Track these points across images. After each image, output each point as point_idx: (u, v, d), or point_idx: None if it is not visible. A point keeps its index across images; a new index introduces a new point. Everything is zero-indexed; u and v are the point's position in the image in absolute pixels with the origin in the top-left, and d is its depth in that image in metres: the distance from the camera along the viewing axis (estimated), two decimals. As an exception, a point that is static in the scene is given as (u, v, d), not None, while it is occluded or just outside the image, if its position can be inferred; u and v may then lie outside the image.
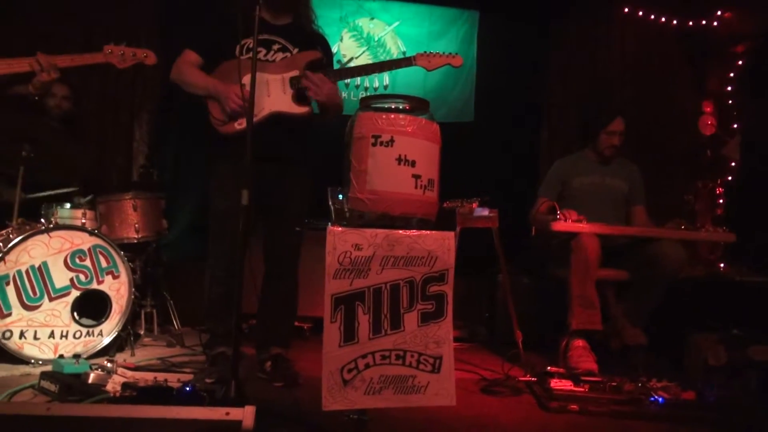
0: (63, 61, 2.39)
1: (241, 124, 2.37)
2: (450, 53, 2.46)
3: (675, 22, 4.64)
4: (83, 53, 2.48)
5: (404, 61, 2.49)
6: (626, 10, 4.61)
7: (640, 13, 4.62)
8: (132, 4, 4.17)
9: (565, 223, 2.75)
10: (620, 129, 3.19)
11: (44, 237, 2.59)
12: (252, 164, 1.96)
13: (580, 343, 2.69)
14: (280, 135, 2.38)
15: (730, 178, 4.45)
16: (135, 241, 3.10)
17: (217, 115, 2.41)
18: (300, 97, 2.42)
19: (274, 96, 2.38)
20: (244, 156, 1.96)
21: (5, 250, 2.49)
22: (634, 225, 3.19)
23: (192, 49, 2.49)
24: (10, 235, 2.59)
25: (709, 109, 4.53)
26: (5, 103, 2.96)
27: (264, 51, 2.43)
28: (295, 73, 2.42)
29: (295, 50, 2.47)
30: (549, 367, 2.49)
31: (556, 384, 2.29)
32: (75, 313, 2.63)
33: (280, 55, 2.45)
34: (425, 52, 2.44)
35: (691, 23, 4.63)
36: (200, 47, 2.49)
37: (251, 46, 2.15)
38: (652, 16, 4.64)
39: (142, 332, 3.14)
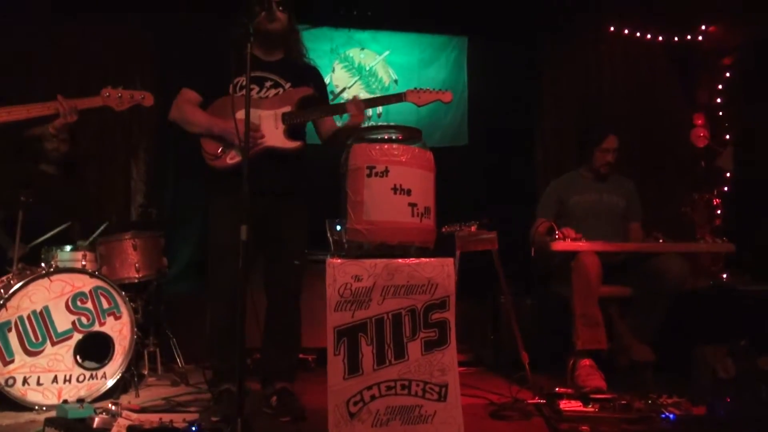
0: (81, 104, 2.46)
1: (233, 159, 2.39)
2: (440, 90, 2.49)
3: (661, 38, 4.73)
4: (81, 97, 2.51)
5: (394, 97, 2.54)
6: (612, 29, 4.70)
7: (626, 31, 4.71)
8: (127, 44, 4.23)
9: (565, 242, 2.75)
10: (614, 146, 3.22)
11: (45, 281, 2.59)
12: (249, 198, 1.97)
13: (586, 362, 2.67)
14: (273, 169, 2.40)
15: (725, 188, 4.48)
16: (136, 281, 3.09)
17: (209, 150, 2.43)
18: (292, 131, 2.45)
19: (267, 131, 2.41)
20: (240, 190, 1.97)
21: (6, 296, 2.48)
22: (633, 241, 3.19)
23: (190, 88, 2.53)
24: (11, 281, 2.59)
25: (700, 121, 4.59)
26: (3, 149, 2.99)
27: (257, 88, 2.46)
28: (287, 108, 2.45)
29: (288, 85, 2.51)
30: (557, 388, 2.47)
31: (565, 405, 2.27)
32: (78, 357, 2.61)
33: (272, 92, 2.49)
34: (415, 88, 2.47)
35: (676, 39, 4.72)
36: (197, 85, 2.53)
37: (244, 83, 2.18)
38: (638, 34, 4.73)
39: (146, 372, 3.11)
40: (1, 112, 2.41)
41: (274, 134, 2.42)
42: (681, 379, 2.88)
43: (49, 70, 4.01)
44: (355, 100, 2.46)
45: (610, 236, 3.04)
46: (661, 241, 2.87)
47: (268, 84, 2.50)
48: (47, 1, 4.00)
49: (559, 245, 2.75)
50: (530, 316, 3.34)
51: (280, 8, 2.46)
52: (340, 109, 2.54)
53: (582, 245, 2.76)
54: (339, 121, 2.62)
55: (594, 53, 4.79)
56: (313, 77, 2.62)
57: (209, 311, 2.48)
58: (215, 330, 2.45)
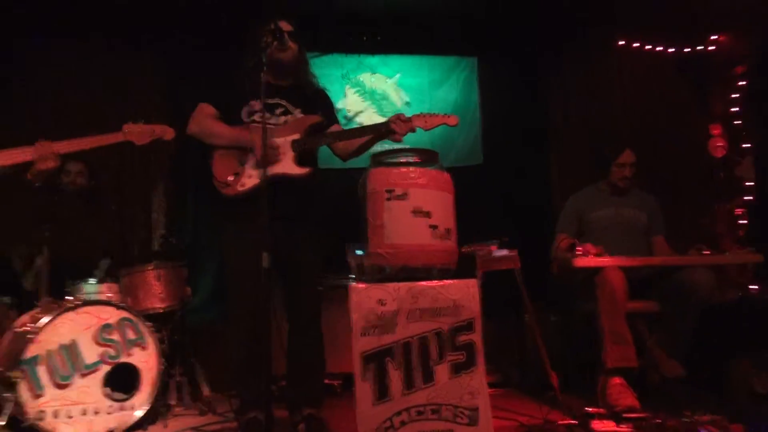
0: (62, 147, 2.34)
1: (243, 186, 2.42)
2: (445, 114, 2.46)
3: (671, 50, 4.72)
4: (102, 134, 2.53)
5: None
6: (622, 43, 4.71)
7: (636, 44, 4.71)
8: (141, 74, 4.32)
9: (587, 258, 2.72)
10: (630, 160, 3.20)
11: (72, 314, 2.62)
12: (265, 225, 1.99)
13: (617, 380, 2.61)
14: (283, 195, 2.40)
15: (746, 198, 4.41)
16: (160, 311, 3.12)
17: (220, 177, 2.46)
18: (301, 158, 2.48)
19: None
20: (251, 217, 1.98)
21: (35, 330, 2.52)
22: (657, 255, 3.15)
23: (208, 103, 2.56)
24: (39, 315, 2.63)
25: (717, 131, 4.54)
26: (23, 185, 3.04)
27: (267, 115, 2.49)
28: (296, 136, 2.48)
29: (297, 111, 2.55)
30: (589, 408, 2.42)
31: (597, 425, 2.23)
32: (106, 389, 2.62)
33: (282, 118, 2.53)
34: (421, 113, 2.46)
35: (687, 50, 4.70)
36: (215, 100, 2.56)
37: (255, 109, 2.21)
38: (648, 47, 4.72)
39: (173, 402, 3.11)
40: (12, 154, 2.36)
41: (283, 161, 2.46)
42: (713, 393, 2.81)
43: (60, 104, 4.08)
44: (400, 117, 2.41)
45: (631, 250, 3.00)
46: (705, 252, 2.82)
47: (278, 111, 2.54)
48: (63, 39, 4.12)
49: (582, 261, 2.73)
50: (556, 333, 3.29)
51: (292, 38, 2.52)
52: (356, 133, 2.56)
53: (604, 260, 2.73)
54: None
55: (605, 68, 4.79)
56: (321, 101, 2.66)
57: (230, 339, 2.48)
58: (237, 357, 2.45)
